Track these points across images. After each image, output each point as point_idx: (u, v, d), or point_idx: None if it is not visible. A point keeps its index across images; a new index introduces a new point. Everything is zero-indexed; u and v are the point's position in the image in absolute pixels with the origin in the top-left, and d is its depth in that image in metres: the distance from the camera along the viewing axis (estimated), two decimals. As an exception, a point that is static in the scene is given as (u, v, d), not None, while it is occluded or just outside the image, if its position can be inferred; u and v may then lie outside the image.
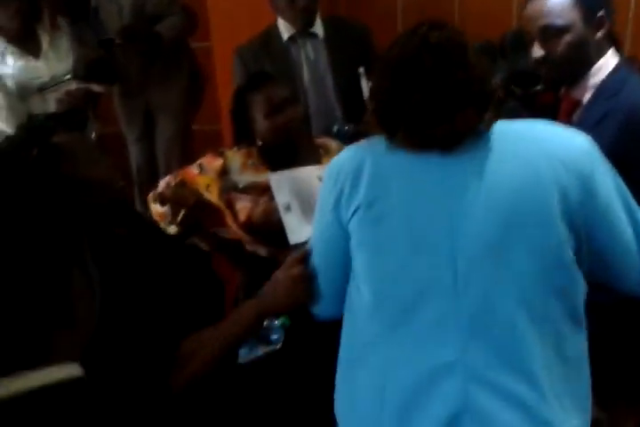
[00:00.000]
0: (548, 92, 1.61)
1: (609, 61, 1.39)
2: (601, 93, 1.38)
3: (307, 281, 1.17)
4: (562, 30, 1.36)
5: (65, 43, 2.58)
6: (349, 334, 1.13)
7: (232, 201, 1.66)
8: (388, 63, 1.03)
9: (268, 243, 1.66)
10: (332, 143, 1.80)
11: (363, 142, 1.13)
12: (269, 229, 1.60)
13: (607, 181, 1.00)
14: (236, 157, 1.69)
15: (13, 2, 2.39)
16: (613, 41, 1.44)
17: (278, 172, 1.47)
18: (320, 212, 1.14)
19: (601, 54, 1.39)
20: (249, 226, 1.65)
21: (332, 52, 2.12)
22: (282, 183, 1.47)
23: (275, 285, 1.18)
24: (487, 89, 1.01)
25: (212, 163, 1.68)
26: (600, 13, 1.35)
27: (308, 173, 1.51)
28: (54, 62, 2.54)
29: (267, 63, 2.12)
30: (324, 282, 1.16)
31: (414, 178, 1.03)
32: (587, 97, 1.42)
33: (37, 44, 2.53)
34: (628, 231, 1.01)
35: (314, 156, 1.73)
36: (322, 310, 1.19)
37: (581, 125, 1.41)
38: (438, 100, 0.98)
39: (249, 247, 1.70)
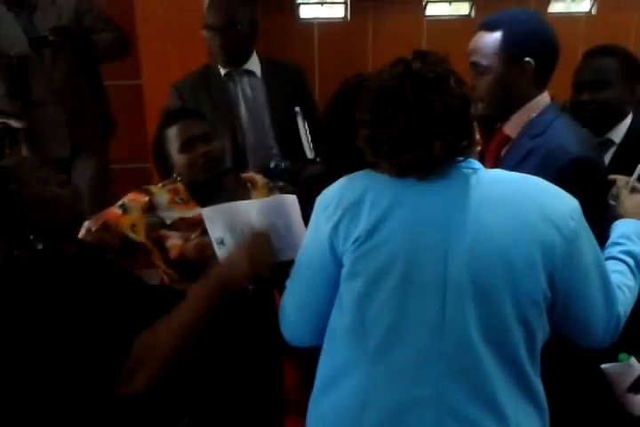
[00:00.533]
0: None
1: (540, 102, 1.45)
2: (528, 132, 1.44)
3: (266, 247, 1.27)
4: (484, 70, 1.43)
5: None
6: (328, 355, 1.13)
7: (161, 239, 1.61)
8: (370, 92, 1.06)
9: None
10: (258, 178, 1.80)
11: (360, 173, 1.13)
12: (203, 264, 1.55)
13: (589, 246, 1.06)
14: (162, 194, 1.65)
15: None
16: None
17: (211, 207, 1.45)
18: (311, 238, 1.14)
19: (529, 96, 1.44)
20: (181, 263, 1.59)
21: (269, 91, 2.15)
22: (215, 218, 1.44)
23: (230, 259, 1.26)
24: (466, 116, 1.04)
25: (137, 200, 1.63)
26: (526, 59, 1.39)
27: (244, 208, 1.49)
28: None
29: (204, 98, 2.11)
30: (307, 308, 1.16)
31: (413, 209, 1.05)
32: (515, 134, 1.48)
33: None
34: (599, 295, 1.08)
35: (241, 190, 1.73)
36: (297, 336, 1.20)
37: (508, 160, 1.48)
38: (418, 127, 1.01)
39: (178, 287, 1.64)
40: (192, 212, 1.63)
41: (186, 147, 1.61)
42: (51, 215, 1.21)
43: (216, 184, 1.66)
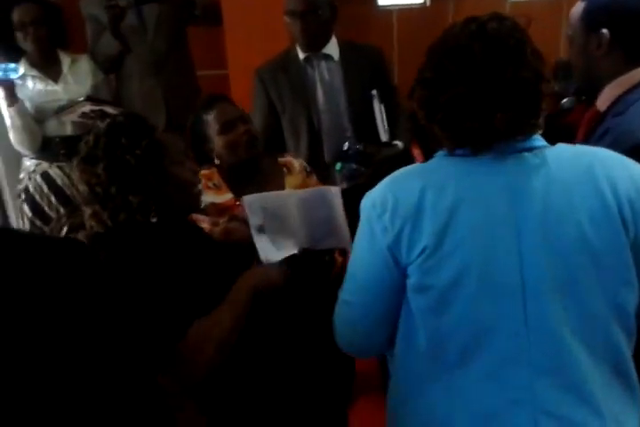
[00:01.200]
0: (576, 112, 1.65)
1: (635, 77, 1.38)
2: (613, 109, 1.39)
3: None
4: (570, 39, 1.42)
5: (85, 66, 2.67)
6: (404, 362, 1.09)
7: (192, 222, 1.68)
8: (436, 50, 0.99)
9: None
10: (296, 162, 1.84)
11: (410, 168, 1.06)
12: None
13: None
14: None
15: (34, 28, 2.49)
16: None
17: (253, 194, 1.50)
18: (366, 249, 1.05)
19: (618, 69, 1.38)
20: None
21: (346, 74, 2.19)
22: (255, 205, 1.48)
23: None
24: (537, 93, 0.96)
25: None
26: (603, 31, 1.35)
27: (285, 198, 1.55)
28: (73, 86, 2.62)
29: (284, 82, 2.19)
30: (369, 318, 1.08)
31: (478, 206, 0.97)
32: (604, 108, 1.43)
33: (58, 69, 2.62)
34: None
35: (276, 174, 1.77)
36: (359, 348, 1.14)
37: (591, 136, 1.44)
38: (481, 95, 0.94)
39: None
40: (223, 197, 1.71)
41: (227, 127, 1.68)
42: (179, 196, 1.28)
43: (254, 166, 1.72)
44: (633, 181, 0.98)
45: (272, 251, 1.49)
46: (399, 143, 2.18)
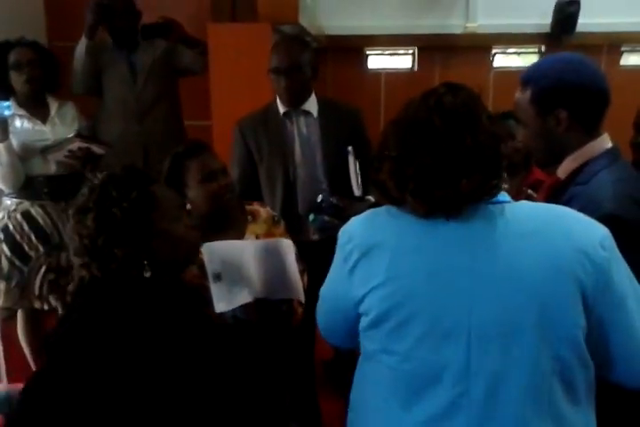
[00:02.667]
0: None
1: (594, 148, 1.42)
2: (575, 178, 1.43)
3: None
4: (523, 124, 1.46)
5: (71, 111, 2.76)
6: (362, 390, 1.14)
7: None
8: (399, 124, 1.04)
9: None
10: (262, 211, 1.90)
11: (383, 209, 1.10)
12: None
13: (623, 274, 1.03)
14: None
15: (30, 69, 2.60)
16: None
17: (212, 242, 1.53)
18: (334, 271, 1.15)
19: (577, 142, 1.43)
20: None
21: (323, 130, 2.27)
22: (214, 253, 1.52)
23: None
24: (496, 155, 1.01)
25: None
26: (559, 110, 1.38)
27: (242, 247, 1.59)
28: (59, 128, 2.69)
29: (263, 135, 2.27)
30: (334, 322, 1.21)
31: (437, 253, 1.01)
32: (564, 176, 1.48)
33: (46, 110, 2.71)
34: (637, 324, 1.03)
35: (240, 221, 1.83)
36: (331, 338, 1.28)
37: (553, 202, 1.48)
38: (445, 164, 0.99)
39: None
40: None
41: (208, 178, 1.73)
42: (170, 252, 1.27)
43: (222, 216, 1.77)
44: (591, 240, 1.01)
45: (227, 299, 1.52)
46: (371, 198, 2.22)
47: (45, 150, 2.60)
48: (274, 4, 2.54)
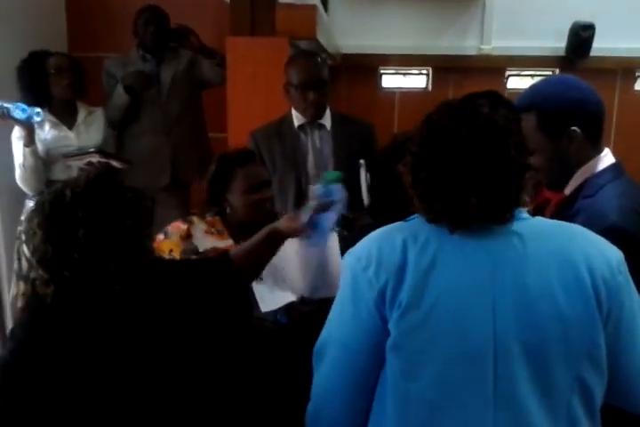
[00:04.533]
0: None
1: (598, 162, 1.44)
2: (582, 192, 1.44)
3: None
4: (534, 151, 1.43)
5: (98, 120, 2.84)
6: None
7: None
8: (429, 121, 1.01)
9: None
10: None
11: (397, 225, 1.06)
12: None
13: (632, 295, 1.03)
14: (200, 225, 1.79)
15: (70, 74, 2.69)
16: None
17: None
18: (351, 305, 1.03)
19: (585, 158, 1.44)
20: None
21: (336, 143, 2.30)
22: None
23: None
24: (514, 185, 0.99)
25: (177, 227, 1.78)
26: (571, 128, 1.39)
27: (285, 247, 1.57)
28: (84, 136, 2.77)
29: (277, 146, 2.30)
30: (351, 387, 1.05)
31: (457, 270, 0.98)
32: (570, 191, 1.48)
33: (74, 118, 2.79)
34: None
35: None
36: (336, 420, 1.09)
37: (559, 217, 1.49)
38: (459, 178, 0.97)
39: None
40: (224, 242, 1.76)
41: (255, 189, 1.75)
42: (137, 261, 1.21)
43: (260, 224, 1.74)
44: (607, 263, 1.01)
45: (270, 299, 1.54)
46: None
47: (67, 156, 2.65)
48: (292, 20, 2.58)
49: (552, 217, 1.50)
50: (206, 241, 1.75)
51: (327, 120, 2.32)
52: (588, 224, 1.29)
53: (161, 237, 1.78)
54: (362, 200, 2.21)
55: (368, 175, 2.21)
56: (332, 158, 2.30)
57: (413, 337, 0.98)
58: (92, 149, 2.62)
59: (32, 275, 1.22)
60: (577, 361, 0.97)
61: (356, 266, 1.03)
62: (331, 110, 2.35)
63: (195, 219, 1.83)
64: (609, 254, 1.02)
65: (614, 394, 1.04)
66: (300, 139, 2.31)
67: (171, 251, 1.75)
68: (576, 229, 1.07)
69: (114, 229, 1.14)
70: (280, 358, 1.39)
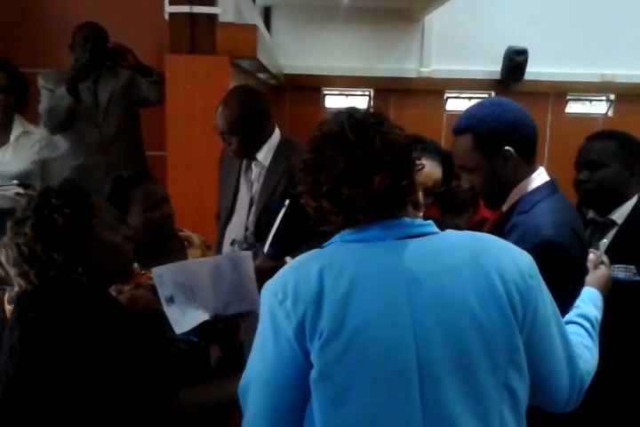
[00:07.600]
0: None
1: (534, 180, 1.48)
2: (517, 208, 1.47)
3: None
4: (472, 170, 1.49)
5: (32, 141, 2.73)
6: None
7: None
8: (313, 140, 1.05)
9: None
10: (195, 237, 1.89)
11: (308, 254, 1.05)
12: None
13: (545, 299, 1.04)
14: None
15: (4, 96, 2.59)
16: None
17: (162, 266, 1.51)
18: (269, 340, 1.00)
19: (521, 176, 1.48)
20: None
21: (265, 182, 2.16)
22: (164, 276, 1.51)
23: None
24: (407, 156, 1.04)
25: None
26: (505, 148, 1.43)
27: (195, 266, 1.59)
28: (9, 159, 2.67)
29: (226, 170, 2.26)
30: (278, 420, 1.02)
31: (373, 292, 0.98)
32: (507, 207, 1.51)
33: (6, 137, 2.69)
34: (560, 352, 1.06)
35: (179, 247, 1.82)
36: None
37: (496, 232, 1.52)
38: (358, 166, 1.00)
39: None
40: None
41: (153, 206, 1.72)
42: (107, 259, 1.28)
43: (160, 243, 1.75)
44: (517, 268, 1.02)
45: (183, 320, 1.51)
46: (288, 259, 1.97)
47: None
48: (232, 39, 2.56)
49: (491, 232, 1.53)
50: None
51: (263, 156, 2.16)
52: (523, 239, 1.34)
53: None
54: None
55: (288, 219, 1.95)
56: (258, 194, 2.16)
57: (338, 366, 0.96)
58: (14, 182, 2.54)
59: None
60: (503, 370, 0.98)
61: (272, 300, 1.00)
62: (281, 138, 2.18)
63: None
64: (519, 260, 1.03)
65: (533, 396, 1.05)
66: (239, 171, 2.23)
67: None
68: (486, 237, 1.09)
69: (55, 218, 1.22)
70: (194, 376, 1.34)
